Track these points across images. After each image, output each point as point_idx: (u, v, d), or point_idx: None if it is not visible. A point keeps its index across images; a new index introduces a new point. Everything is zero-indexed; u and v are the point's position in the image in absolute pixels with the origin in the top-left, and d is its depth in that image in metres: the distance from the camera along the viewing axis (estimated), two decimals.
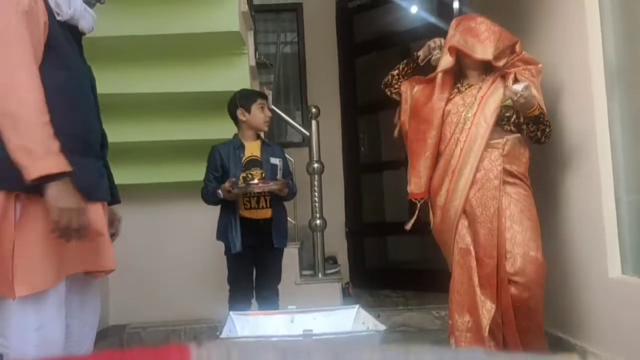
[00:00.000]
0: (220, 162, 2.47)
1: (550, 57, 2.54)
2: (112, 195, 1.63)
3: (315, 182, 3.29)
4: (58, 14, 1.47)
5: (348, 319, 1.98)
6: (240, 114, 2.50)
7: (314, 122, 3.31)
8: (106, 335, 2.86)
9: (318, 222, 3.27)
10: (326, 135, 3.64)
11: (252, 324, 2.00)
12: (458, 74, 2.33)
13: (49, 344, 1.39)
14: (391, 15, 4.44)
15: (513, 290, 2.10)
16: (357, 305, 2.07)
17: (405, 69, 2.42)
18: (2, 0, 1.35)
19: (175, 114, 2.95)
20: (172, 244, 3.17)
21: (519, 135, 2.24)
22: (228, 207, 2.47)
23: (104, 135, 1.64)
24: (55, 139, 1.33)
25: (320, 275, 3.25)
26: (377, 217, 4.53)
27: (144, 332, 3.03)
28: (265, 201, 2.46)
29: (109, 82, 2.33)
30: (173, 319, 3.09)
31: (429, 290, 3.68)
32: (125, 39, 2.67)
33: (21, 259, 1.36)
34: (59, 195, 1.33)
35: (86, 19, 1.55)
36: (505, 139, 2.20)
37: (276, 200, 2.48)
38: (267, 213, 2.47)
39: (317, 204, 3.28)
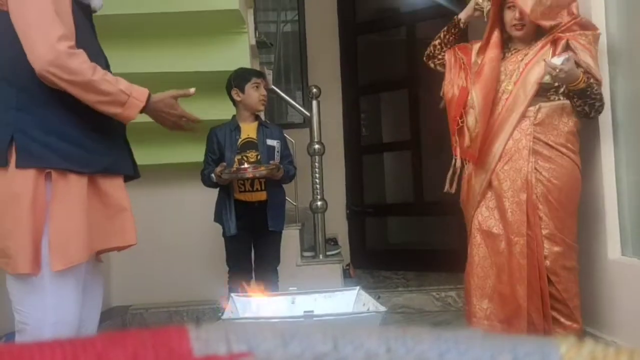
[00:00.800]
0: (217, 144, 2.46)
1: None
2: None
3: (316, 164, 3.27)
4: None
5: (349, 301, 1.98)
6: (235, 94, 2.47)
7: (314, 103, 3.28)
8: (109, 316, 2.88)
9: (319, 203, 3.26)
10: (327, 115, 3.61)
11: (253, 305, 2.01)
12: (507, 40, 2.18)
13: (64, 322, 1.44)
14: None
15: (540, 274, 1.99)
16: (358, 287, 2.07)
17: (447, 36, 2.28)
18: None
19: None
20: (174, 225, 3.17)
21: (559, 102, 2.06)
22: (224, 190, 2.47)
23: None
24: (117, 79, 1.51)
25: (321, 256, 3.26)
26: (378, 198, 4.54)
27: (147, 313, 3.06)
28: (260, 183, 2.44)
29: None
30: (175, 300, 3.11)
31: (429, 271, 3.70)
32: (125, 17, 2.63)
33: (55, 236, 1.41)
34: (156, 111, 1.58)
35: None
36: (538, 106, 2.04)
37: (272, 183, 2.46)
38: (262, 195, 2.45)
39: (318, 186, 3.27)
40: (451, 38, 2.28)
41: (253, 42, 3.14)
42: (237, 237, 2.44)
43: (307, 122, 3.43)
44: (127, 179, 1.67)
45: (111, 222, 1.53)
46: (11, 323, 1.45)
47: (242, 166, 2.35)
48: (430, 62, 2.35)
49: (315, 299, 2.01)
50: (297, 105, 3.60)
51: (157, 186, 3.19)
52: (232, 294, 2.05)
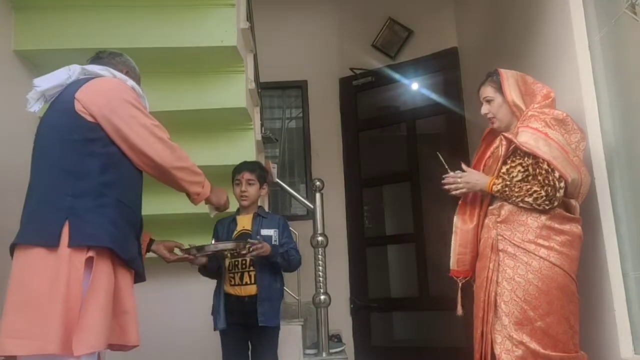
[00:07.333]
0: (216, 237, 2.49)
1: None
2: None
3: (320, 256, 3.25)
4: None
5: None
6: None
7: (318, 195, 3.33)
8: None
9: (322, 297, 3.19)
10: (330, 208, 3.64)
11: None
12: None
13: None
14: (394, 93, 4.60)
15: None
16: None
17: None
18: (129, 96, 1.69)
19: None
20: (172, 319, 3.09)
21: None
22: (218, 283, 2.46)
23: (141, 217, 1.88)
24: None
25: (324, 354, 3.13)
26: (383, 292, 4.45)
27: None
28: (249, 277, 2.40)
29: None
30: None
31: None
32: None
33: (85, 319, 1.47)
34: (216, 198, 1.95)
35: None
36: (500, 204, 2.09)
37: (263, 276, 2.40)
38: (252, 289, 2.40)
39: (321, 279, 3.22)
40: None
41: (259, 137, 3.25)
42: (229, 332, 2.38)
43: (310, 214, 3.46)
44: (135, 280, 1.73)
45: (115, 321, 1.58)
46: None
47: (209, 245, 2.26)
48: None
49: None
50: (300, 198, 3.65)
51: (156, 279, 3.15)
52: None
